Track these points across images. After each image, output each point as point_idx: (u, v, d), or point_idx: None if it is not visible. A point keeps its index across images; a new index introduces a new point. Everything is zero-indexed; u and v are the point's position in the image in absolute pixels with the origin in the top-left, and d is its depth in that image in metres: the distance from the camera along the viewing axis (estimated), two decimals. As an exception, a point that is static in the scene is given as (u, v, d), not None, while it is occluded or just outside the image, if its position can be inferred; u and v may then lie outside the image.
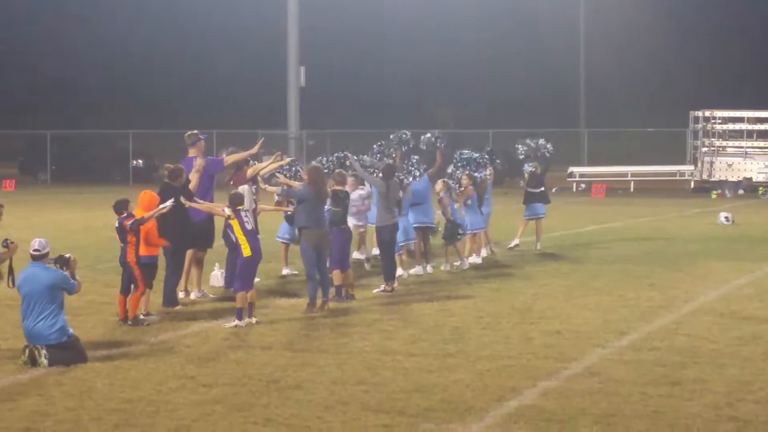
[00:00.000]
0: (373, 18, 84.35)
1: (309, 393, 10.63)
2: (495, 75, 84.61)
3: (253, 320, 14.16)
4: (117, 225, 14.24)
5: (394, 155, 19.14)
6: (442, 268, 19.35)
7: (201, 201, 15.37)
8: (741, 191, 44.34)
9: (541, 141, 23.35)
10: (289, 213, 17.18)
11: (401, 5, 78.13)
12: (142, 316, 14.22)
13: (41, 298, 11.81)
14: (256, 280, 15.14)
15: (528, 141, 23.45)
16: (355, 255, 20.34)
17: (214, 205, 15.41)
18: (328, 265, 15.61)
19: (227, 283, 16.69)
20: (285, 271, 18.69)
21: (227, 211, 14.38)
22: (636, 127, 61.76)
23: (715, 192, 44.21)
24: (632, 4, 78.52)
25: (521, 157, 23.44)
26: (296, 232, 16.18)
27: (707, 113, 46.46)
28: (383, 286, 16.92)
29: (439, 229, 19.30)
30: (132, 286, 14.16)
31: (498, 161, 22.46)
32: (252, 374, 11.38)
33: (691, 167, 46.87)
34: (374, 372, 11.48)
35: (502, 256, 21.59)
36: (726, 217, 29.33)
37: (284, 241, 18.79)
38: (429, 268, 19.09)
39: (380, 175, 17.47)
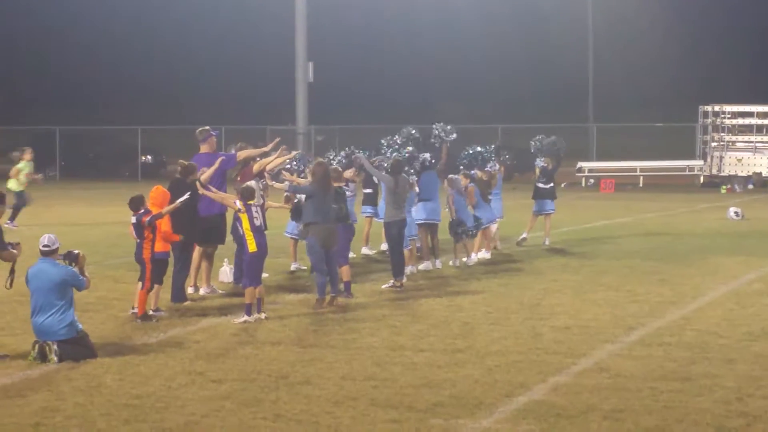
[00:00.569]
0: (381, 14, 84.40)
1: (318, 388, 10.63)
2: (504, 71, 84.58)
3: (262, 316, 14.16)
4: (134, 221, 14.14)
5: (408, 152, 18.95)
6: (450, 263, 19.34)
7: (215, 189, 15.38)
8: (750, 186, 44.26)
9: (554, 137, 23.31)
10: (293, 208, 17.13)
11: (410, 1, 78.04)
12: (151, 312, 14.23)
13: (50, 294, 11.81)
14: (265, 275, 15.14)
15: (543, 137, 23.40)
16: (364, 250, 20.33)
17: (227, 195, 15.42)
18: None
19: (236, 278, 16.70)
20: (294, 267, 18.69)
21: (239, 204, 14.38)
22: (645, 122, 61.64)
23: (724, 187, 44.13)
24: (641, -1, 78.52)
25: (533, 151, 23.41)
26: (301, 227, 16.16)
27: (716, 108, 46.40)
28: (392, 281, 16.91)
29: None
30: (140, 282, 14.17)
31: (507, 156, 22.38)
32: (261, 370, 11.38)
33: (701, 162, 46.81)
34: (383, 367, 11.48)
35: (511, 251, 21.57)
36: (736, 212, 29.27)
37: (293, 236, 18.78)
38: (438, 264, 19.08)
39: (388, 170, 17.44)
